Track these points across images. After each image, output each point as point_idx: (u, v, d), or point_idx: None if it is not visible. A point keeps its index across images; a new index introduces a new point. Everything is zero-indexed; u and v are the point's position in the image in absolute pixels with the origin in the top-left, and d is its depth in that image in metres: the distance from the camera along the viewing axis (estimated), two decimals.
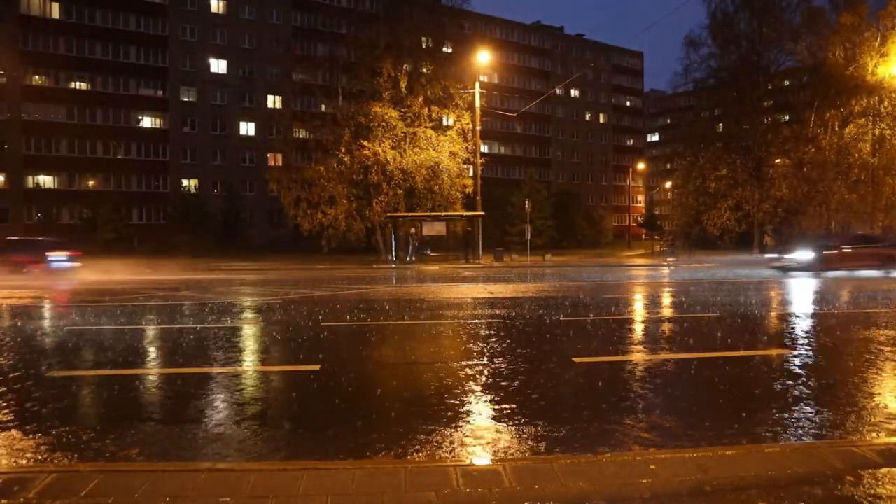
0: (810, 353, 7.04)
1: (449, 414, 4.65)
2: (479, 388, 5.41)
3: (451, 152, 33.95)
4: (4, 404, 4.98)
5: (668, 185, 69.22)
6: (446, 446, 3.97)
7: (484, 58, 35.28)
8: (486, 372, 6.02)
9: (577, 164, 77.61)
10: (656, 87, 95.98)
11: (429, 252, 32.14)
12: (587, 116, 78.93)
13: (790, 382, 5.60)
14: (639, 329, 9.27)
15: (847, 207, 38.53)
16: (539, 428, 4.31)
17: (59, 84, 48.96)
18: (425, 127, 34.05)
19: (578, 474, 3.25)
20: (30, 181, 48.33)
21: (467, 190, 34.40)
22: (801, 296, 14.38)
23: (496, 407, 4.83)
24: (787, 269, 22.29)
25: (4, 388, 5.48)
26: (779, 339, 8.23)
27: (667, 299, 13.92)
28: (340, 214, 33.93)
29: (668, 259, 34.51)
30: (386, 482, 3.16)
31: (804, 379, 5.75)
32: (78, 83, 49.82)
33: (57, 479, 3.21)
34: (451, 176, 34.49)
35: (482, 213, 32.21)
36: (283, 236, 48.39)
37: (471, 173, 34.67)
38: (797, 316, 10.60)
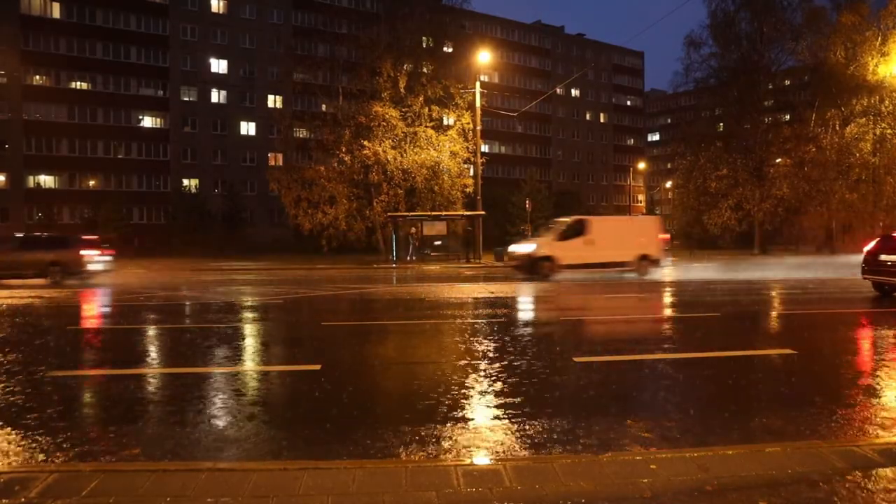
0: None
1: (449, 412, 4.65)
2: (481, 386, 5.41)
3: (451, 152, 33.86)
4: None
5: (668, 184, 69.20)
6: (447, 444, 3.96)
7: (484, 57, 35.22)
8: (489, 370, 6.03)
9: (577, 164, 77.51)
10: (657, 86, 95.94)
11: (429, 252, 32.07)
12: (588, 116, 78.81)
13: None
14: (641, 328, 9.26)
15: (848, 207, 38.49)
16: (536, 422, 4.31)
17: (60, 84, 48.92)
18: (426, 127, 33.95)
19: (579, 474, 3.24)
20: (30, 181, 48.31)
21: (468, 189, 34.31)
22: None
23: (500, 405, 4.83)
24: None
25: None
26: None
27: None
28: (341, 214, 33.87)
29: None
30: (387, 482, 3.16)
31: None
32: (79, 83, 49.78)
33: (58, 478, 3.21)
34: (451, 175, 34.40)
35: (483, 212, 32.15)
36: (283, 236, 48.33)
37: (471, 173, 34.59)
38: None
